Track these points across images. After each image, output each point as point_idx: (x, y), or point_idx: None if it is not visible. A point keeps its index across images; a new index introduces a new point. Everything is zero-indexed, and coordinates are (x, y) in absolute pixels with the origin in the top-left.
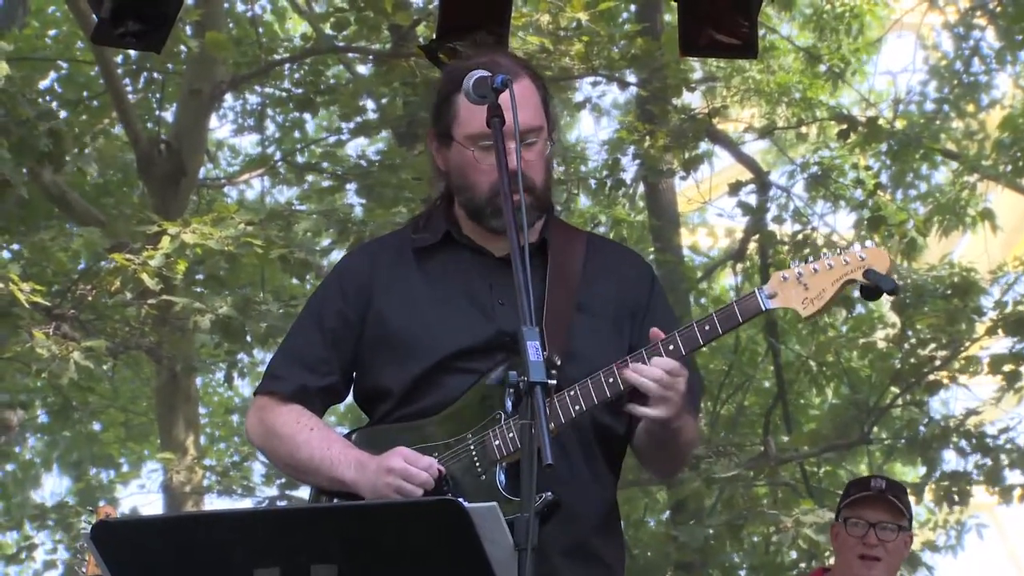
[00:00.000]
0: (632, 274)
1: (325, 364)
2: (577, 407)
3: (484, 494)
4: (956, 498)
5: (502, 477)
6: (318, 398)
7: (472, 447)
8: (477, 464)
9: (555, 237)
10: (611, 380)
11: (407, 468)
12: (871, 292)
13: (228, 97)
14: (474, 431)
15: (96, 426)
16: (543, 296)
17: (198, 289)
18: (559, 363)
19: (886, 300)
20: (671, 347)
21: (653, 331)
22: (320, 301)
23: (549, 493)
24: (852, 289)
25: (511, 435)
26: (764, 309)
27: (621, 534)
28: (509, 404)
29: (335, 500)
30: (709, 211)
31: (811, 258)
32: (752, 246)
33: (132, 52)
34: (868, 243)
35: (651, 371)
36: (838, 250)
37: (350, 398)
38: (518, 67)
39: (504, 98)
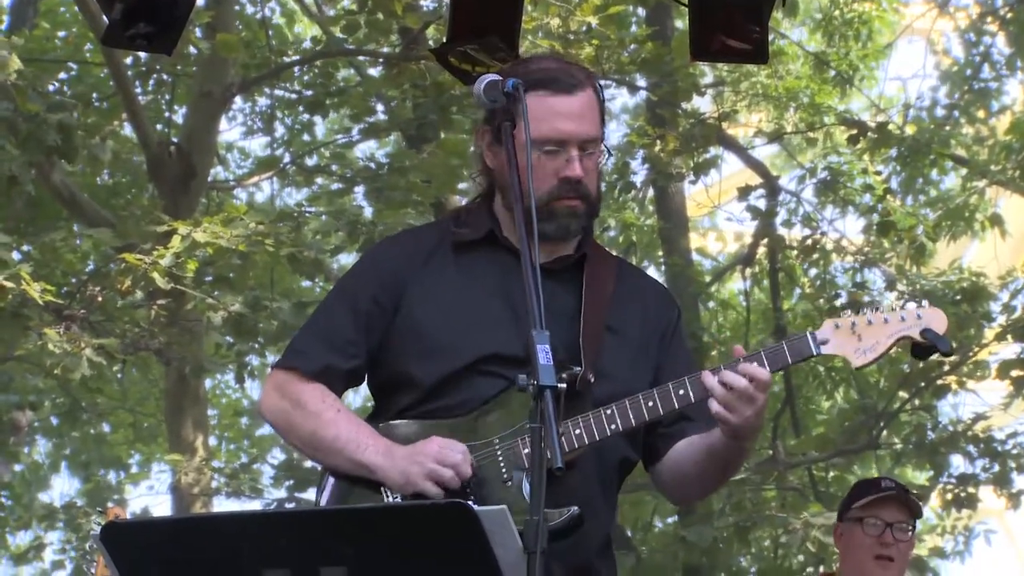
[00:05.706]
0: (659, 299)
1: (353, 346)
2: (613, 426)
3: (509, 501)
4: (964, 502)
5: (526, 486)
6: (341, 380)
7: (499, 452)
8: (503, 469)
9: (592, 254)
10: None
11: (441, 452)
12: (925, 351)
13: (238, 99)
14: (502, 436)
15: (105, 427)
16: (579, 310)
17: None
18: (592, 380)
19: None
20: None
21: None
22: (354, 284)
23: (575, 508)
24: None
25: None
26: (815, 354)
27: (615, 561)
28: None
29: (333, 482)
30: (718, 215)
31: (865, 309)
32: (761, 250)
33: (142, 54)
34: (924, 303)
35: (739, 376)
36: (893, 306)
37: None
38: (585, 77)
39: (571, 105)
